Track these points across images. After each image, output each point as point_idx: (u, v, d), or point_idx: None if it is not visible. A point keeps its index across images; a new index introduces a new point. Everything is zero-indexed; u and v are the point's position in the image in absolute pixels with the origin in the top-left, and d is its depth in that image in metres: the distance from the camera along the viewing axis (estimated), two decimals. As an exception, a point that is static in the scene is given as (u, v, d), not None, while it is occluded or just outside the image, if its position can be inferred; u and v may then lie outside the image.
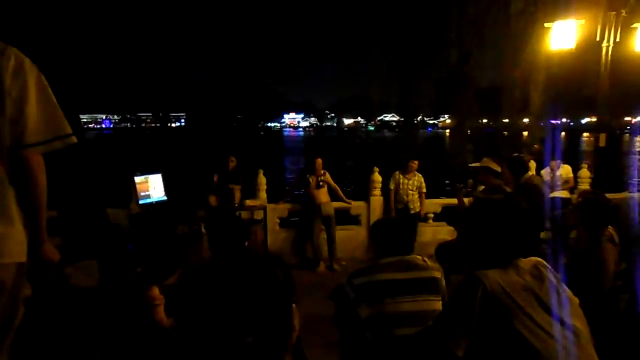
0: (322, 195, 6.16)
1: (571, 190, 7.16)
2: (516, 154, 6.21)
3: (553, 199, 6.51)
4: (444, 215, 7.04)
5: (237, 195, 6.24)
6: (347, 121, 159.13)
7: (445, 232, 6.61)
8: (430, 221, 7.01)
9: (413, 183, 6.50)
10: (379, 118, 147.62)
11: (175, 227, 5.36)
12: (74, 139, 1.68)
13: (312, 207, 6.11)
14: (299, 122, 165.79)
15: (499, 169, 4.35)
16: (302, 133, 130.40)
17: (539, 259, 1.66)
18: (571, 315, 1.53)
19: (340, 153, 33.20)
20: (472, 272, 1.56)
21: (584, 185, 7.26)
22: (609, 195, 3.05)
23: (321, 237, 6.19)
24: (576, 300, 1.64)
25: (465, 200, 4.74)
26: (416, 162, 6.58)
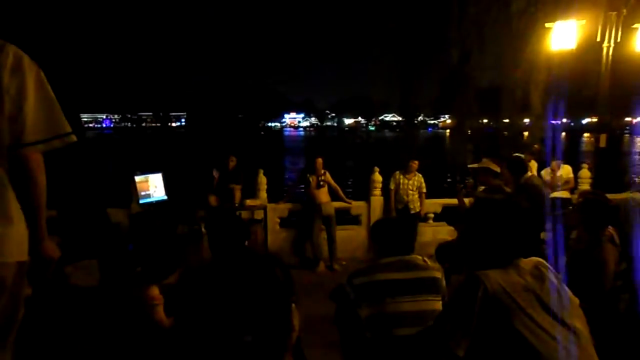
0: (323, 195, 6.16)
1: (571, 191, 7.16)
2: (516, 154, 6.21)
3: (553, 199, 6.51)
4: (444, 215, 7.04)
5: (238, 195, 6.24)
6: (348, 121, 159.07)
7: (445, 232, 6.60)
8: (431, 221, 7.01)
9: (413, 183, 6.50)
10: (379, 118, 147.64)
11: (176, 226, 5.36)
12: (74, 138, 1.67)
13: (313, 207, 6.11)
14: (299, 122, 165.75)
15: (498, 169, 4.34)
16: (302, 133, 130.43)
17: (540, 259, 1.65)
18: (572, 315, 1.53)
19: (340, 153, 33.18)
20: (473, 272, 1.56)
21: (585, 186, 7.26)
22: (609, 196, 3.05)
23: (321, 236, 6.19)
24: (576, 300, 1.64)
25: (466, 200, 4.73)
26: (416, 162, 6.58)
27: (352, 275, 2.30)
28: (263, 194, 6.51)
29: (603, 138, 8.03)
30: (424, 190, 6.60)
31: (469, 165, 4.72)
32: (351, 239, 6.58)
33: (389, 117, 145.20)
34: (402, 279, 2.20)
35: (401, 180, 6.51)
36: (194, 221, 5.46)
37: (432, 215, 7.01)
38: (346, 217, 6.84)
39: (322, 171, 6.22)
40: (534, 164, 7.41)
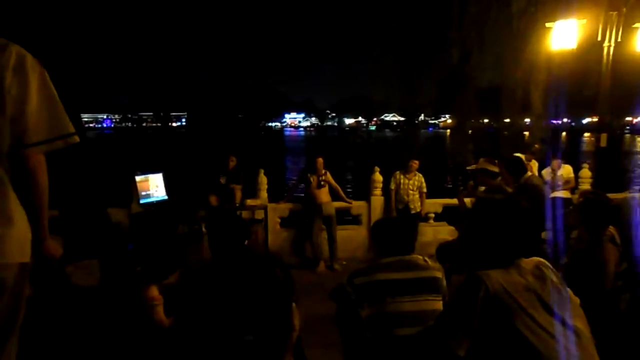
0: (323, 194, 6.16)
1: (572, 191, 7.15)
2: (516, 154, 6.20)
3: (554, 199, 6.50)
4: (444, 215, 7.04)
5: (238, 194, 6.25)
6: (348, 121, 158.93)
7: (446, 232, 6.60)
8: (431, 221, 7.00)
9: (414, 183, 6.50)
10: (380, 118, 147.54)
11: (176, 226, 5.36)
12: (77, 139, 1.66)
13: (313, 207, 6.11)
14: (299, 121, 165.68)
15: (496, 169, 4.34)
16: (303, 133, 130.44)
17: (541, 259, 1.65)
18: (573, 315, 1.53)
19: (341, 153, 33.18)
20: (474, 272, 1.55)
21: (585, 186, 7.26)
22: (610, 195, 3.05)
23: (321, 236, 6.19)
24: (577, 300, 1.64)
25: (467, 200, 4.73)
26: (416, 161, 6.58)
27: (352, 275, 2.30)
28: (264, 194, 6.50)
29: (604, 138, 8.02)
30: (425, 190, 6.60)
31: (467, 168, 4.72)
32: (351, 238, 6.57)
33: (389, 117, 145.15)
34: (403, 279, 2.20)
35: (401, 180, 6.51)
36: (194, 221, 5.46)
37: (432, 215, 7.01)
38: (346, 217, 6.84)
39: (323, 171, 6.21)
40: (534, 164, 7.41)
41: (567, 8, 7.80)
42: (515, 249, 1.64)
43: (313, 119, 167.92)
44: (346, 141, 65.43)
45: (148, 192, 5.35)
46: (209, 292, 2.16)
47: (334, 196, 6.41)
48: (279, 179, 17.54)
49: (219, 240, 2.35)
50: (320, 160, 6.24)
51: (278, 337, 2.21)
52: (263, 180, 6.52)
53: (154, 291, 2.75)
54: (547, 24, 7.95)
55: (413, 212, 6.49)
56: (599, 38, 7.33)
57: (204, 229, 5.22)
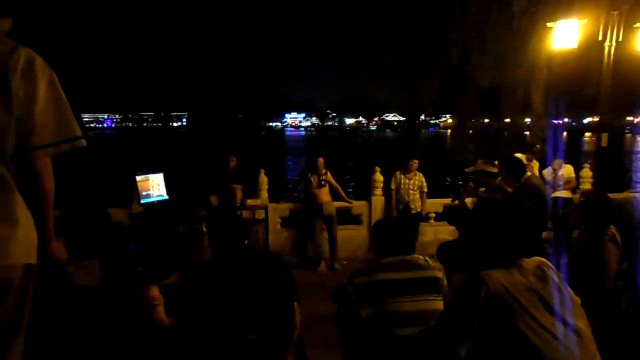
0: (324, 194, 6.16)
1: (573, 190, 7.15)
2: (517, 155, 6.20)
3: (555, 198, 6.50)
4: (445, 215, 7.04)
5: (239, 194, 6.25)
6: (349, 121, 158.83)
7: (446, 231, 6.60)
8: (432, 221, 7.00)
9: (414, 183, 6.50)
10: (380, 118, 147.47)
11: (177, 226, 5.36)
12: (84, 142, 1.66)
13: (314, 207, 6.11)
14: (300, 121, 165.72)
15: (495, 170, 4.33)
16: (303, 132, 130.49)
17: (543, 259, 1.65)
18: (574, 315, 1.53)
19: (342, 153, 33.18)
20: (476, 272, 1.55)
21: (586, 185, 7.25)
22: (611, 195, 3.04)
23: (322, 236, 6.19)
24: (578, 300, 1.63)
25: (468, 200, 4.72)
26: (416, 161, 6.57)
27: (353, 275, 2.30)
28: (264, 194, 6.50)
29: (604, 137, 8.02)
30: (425, 189, 6.59)
31: (466, 170, 4.72)
32: (352, 238, 6.57)
33: (390, 117, 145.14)
34: (403, 279, 2.20)
35: (402, 180, 6.50)
36: (195, 221, 5.47)
37: (433, 215, 7.00)
38: (347, 217, 6.84)
39: (324, 171, 6.21)
40: (535, 164, 7.40)
41: (568, 8, 7.81)
42: (516, 249, 1.64)
43: (314, 118, 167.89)
44: (347, 141, 65.46)
45: (149, 192, 5.35)
46: (209, 292, 2.16)
47: (335, 196, 6.40)
48: (279, 178, 17.53)
49: (219, 240, 2.35)
50: (321, 160, 6.23)
51: (280, 336, 2.21)
52: (263, 180, 6.52)
53: (155, 291, 2.75)
54: (548, 24, 7.95)
55: (414, 212, 6.48)
56: (600, 38, 7.33)
57: (204, 229, 5.22)
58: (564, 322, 1.49)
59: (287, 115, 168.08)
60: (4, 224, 1.51)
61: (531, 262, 1.62)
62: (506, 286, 1.50)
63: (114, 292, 3.70)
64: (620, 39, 7.26)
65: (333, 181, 6.35)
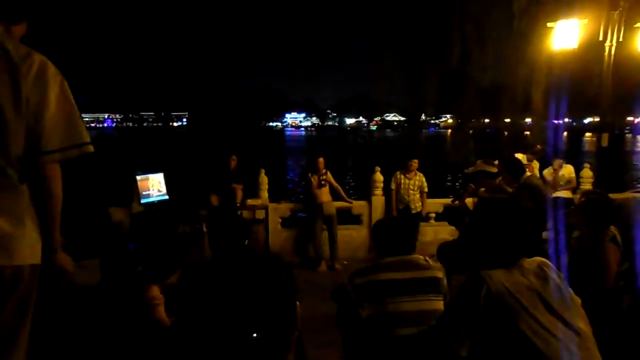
0: (324, 194, 6.15)
1: (574, 190, 7.14)
2: (517, 155, 6.19)
3: (555, 198, 6.50)
4: (445, 215, 7.03)
5: (239, 194, 6.25)
6: (349, 121, 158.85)
7: (446, 231, 6.59)
8: (432, 221, 7.00)
9: (414, 183, 6.49)
10: (380, 117, 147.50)
11: (177, 226, 5.35)
12: (91, 148, 1.67)
13: (314, 207, 6.11)
14: (300, 121, 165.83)
15: (494, 170, 4.32)
16: (303, 132, 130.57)
17: (543, 259, 1.65)
18: (574, 315, 1.52)
19: (342, 152, 33.17)
20: (476, 272, 1.55)
21: (587, 185, 7.24)
22: (611, 195, 3.04)
23: (322, 236, 6.19)
24: (579, 300, 1.63)
25: (468, 200, 4.72)
26: (416, 161, 6.55)
27: (353, 274, 2.30)
28: (264, 194, 6.50)
29: (605, 137, 8.01)
30: (426, 189, 6.58)
31: (465, 171, 4.71)
32: (352, 238, 6.57)
33: (390, 117, 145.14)
34: (403, 279, 2.20)
35: (402, 180, 6.49)
36: (195, 221, 5.46)
37: (433, 215, 7.00)
38: (347, 217, 6.84)
39: (324, 171, 6.21)
40: (536, 164, 7.40)
41: (568, 8, 7.80)
42: (517, 249, 1.64)
43: (314, 118, 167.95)
44: (347, 141, 65.46)
45: (149, 192, 5.35)
46: (209, 292, 2.16)
47: (335, 196, 6.40)
48: (279, 178, 17.53)
49: (219, 240, 2.34)
50: (321, 159, 6.23)
51: (281, 336, 2.21)
52: (264, 180, 6.52)
53: (155, 291, 2.75)
54: (549, 24, 7.95)
55: (414, 212, 6.47)
56: (601, 38, 7.33)
57: (204, 229, 5.22)
58: (565, 323, 1.49)
59: (287, 115, 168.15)
60: (10, 224, 1.52)
61: (532, 262, 1.62)
62: (507, 286, 1.50)
63: (114, 292, 3.70)
64: (620, 39, 7.25)
65: (333, 181, 6.35)
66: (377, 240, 2.44)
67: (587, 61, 9.34)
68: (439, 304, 2.18)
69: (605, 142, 8.00)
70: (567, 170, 7.28)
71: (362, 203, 6.80)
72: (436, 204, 6.96)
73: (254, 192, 6.52)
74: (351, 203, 6.72)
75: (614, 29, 7.17)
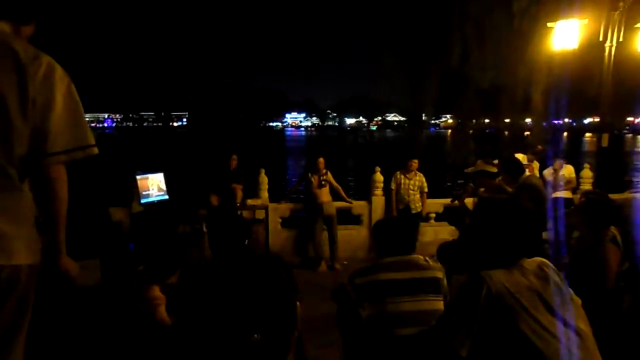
0: (324, 194, 6.15)
1: (574, 191, 7.15)
2: (517, 155, 6.19)
3: (556, 199, 6.50)
4: (445, 215, 7.03)
5: (240, 194, 6.24)
6: (349, 121, 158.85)
7: (446, 232, 6.60)
8: (432, 221, 7.00)
9: (414, 183, 6.48)
10: (380, 118, 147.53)
11: (177, 226, 5.35)
12: (96, 150, 1.68)
13: (314, 207, 6.11)
14: (300, 121, 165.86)
15: (494, 170, 4.33)
16: (304, 132, 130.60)
17: (544, 260, 1.65)
18: (575, 316, 1.52)
19: (342, 152, 33.17)
20: (477, 272, 1.55)
21: (587, 186, 7.25)
22: (611, 196, 3.04)
23: (322, 236, 6.19)
24: (579, 300, 1.63)
25: (468, 200, 4.73)
26: (416, 161, 6.55)
27: (353, 275, 2.30)
28: (264, 194, 6.50)
29: (605, 138, 8.01)
30: (426, 190, 6.58)
31: (465, 170, 4.71)
32: (352, 238, 6.57)
33: (390, 117, 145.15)
34: (403, 279, 2.20)
35: (402, 180, 6.49)
36: (195, 221, 5.46)
37: (433, 215, 7.00)
38: (347, 217, 6.84)
39: (324, 171, 6.21)
40: (536, 164, 7.40)
41: (568, 8, 7.80)
42: (517, 249, 1.64)
43: (314, 118, 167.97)
44: (347, 141, 65.45)
45: (149, 192, 5.35)
46: (209, 292, 2.16)
47: (335, 196, 6.40)
48: (279, 178, 17.53)
49: (219, 239, 2.35)
50: (322, 159, 6.23)
51: (281, 336, 2.21)
52: (264, 180, 6.52)
53: (156, 291, 2.75)
54: (549, 24, 7.95)
55: (414, 212, 6.47)
56: (601, 38, 7.33)
57: (204, 229, 5.22)
58: (565, 323, 1.49)
59: (287, 115, 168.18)
60: (10, 224, 1.52)
61: (532, 262, 1.62)
62: (507, 286, 1.50)
63: (114, 292, 3.70)
64: (620, 40, 7.26)
65: (333, 181, 6.35)
66: (377, 240, 2.44)
67: (587, 61, 9.34)
68: (439, 304, 2.18)
69: (605, 143, 8.00)
70: (567, 171, 7.28)
71: (362, 203, 6.80)
72: (436, 204, 6.96)
73: (254, 192, 6.52)
74: (351, 203, 6.72)
75: (614, 29, 7.18)
